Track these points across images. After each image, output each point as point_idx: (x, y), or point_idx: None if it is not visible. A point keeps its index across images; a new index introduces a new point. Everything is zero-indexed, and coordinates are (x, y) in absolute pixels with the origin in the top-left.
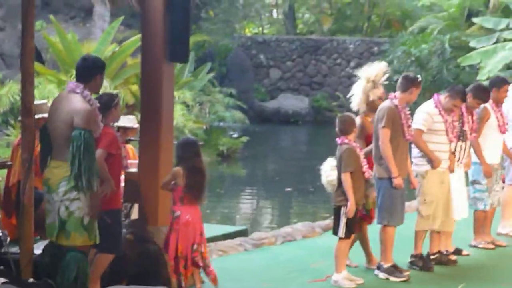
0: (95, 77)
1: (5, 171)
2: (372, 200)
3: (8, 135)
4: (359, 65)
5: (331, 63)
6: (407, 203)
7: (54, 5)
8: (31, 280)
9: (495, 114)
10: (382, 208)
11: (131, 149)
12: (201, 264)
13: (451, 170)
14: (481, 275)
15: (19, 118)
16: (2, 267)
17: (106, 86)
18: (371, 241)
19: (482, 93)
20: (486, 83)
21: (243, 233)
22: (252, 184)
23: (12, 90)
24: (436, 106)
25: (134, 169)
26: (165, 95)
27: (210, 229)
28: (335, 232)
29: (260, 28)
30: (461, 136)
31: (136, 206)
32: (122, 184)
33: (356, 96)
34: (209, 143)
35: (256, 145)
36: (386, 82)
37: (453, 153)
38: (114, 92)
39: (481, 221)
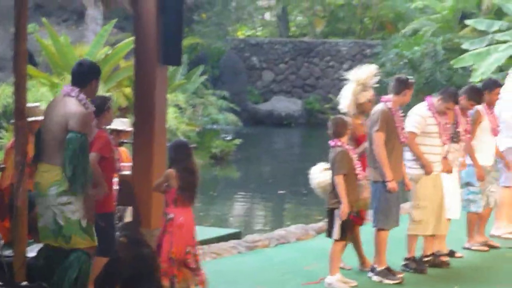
0: (90, 82)
1: None
2: (363, 201)
3: (0, 138)
4: (352, 68)
5: (324, 66)
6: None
7: (47, 8)
8: (24, 283)
9: (488, 117)
10: (378, 211)
11: (124, 152)
12: (193, 266)
13: (449, 171)
14: (475, 277)
15: (12, 120)
16: None
17: (99, 89)
18: (366, 243)
19: (476, 95)
20: (479, 85)
21: (236, 236)
22: (246, 186)
23: (5, 93)
24: (429, 109)
25: (127, 172)
26: (158, 97)
27: (204, 232)
28: (330, 235)
29: (253, 31)
30: (455, 137)
31: (129, 209)
32: (115, 187)
33: (346, 98)
34: (202, 145)
35: (249, 148)
36: (377, 85)
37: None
38: (107, 95)
39: (474, 223)
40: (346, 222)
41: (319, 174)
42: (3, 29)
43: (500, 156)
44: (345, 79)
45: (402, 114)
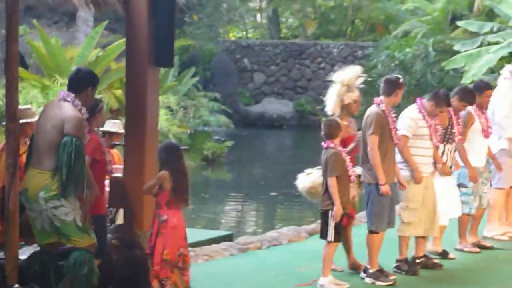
0: (86, 89)
1: None
2: (351, 200)
3: None
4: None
5: (315, 67)
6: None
7: (37, 10)
8: (16, 285)
9: (479, 119)
10: (371, 213)
11: (117, 154)
12: (180, 265)
13: (447, 174)
14: (468, 278)
15: (3, 123)
16: None
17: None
18: (359, 245)
19: (468, 96)
20: (471, 86)
21: (228, 238)
22: (237, 188)
23: None
24: (420, 111)
25: (119, 174)
26: (150, 99)
27: (195, 234)
28: (324, 236)
29: (244, 33)
30: (450, 138)
31: (121, 211)
32: (107, 189)
33: (331, 99)
34: (194, 147)
35: (241, 150)
36: (362, 86)
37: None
38: (98, 97)
39: (466, 224)
40: (340, 224)
41: (303, 180)
42: None
43: (492, 157)
44: (331, 81)
45: (394, 115)
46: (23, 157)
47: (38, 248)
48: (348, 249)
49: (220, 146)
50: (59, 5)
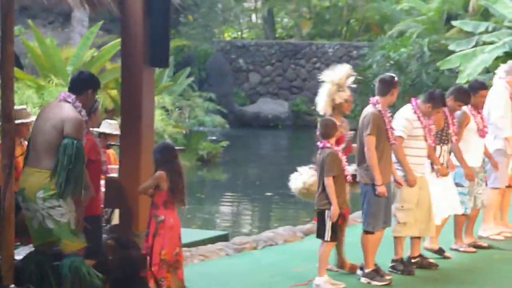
0: (87, 92)
1: None
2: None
3: None
4: None
5: (310, 67)
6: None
7: (32, 10)
8: (12, 286)
9: (475, 119)
10: (367, 214)
11: (113, 154)
12: (174, 264)
13: (444, 175)
14: (463, 278)
15: None
16: None
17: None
18: (354, 245)
19: (463, 96)
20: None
21: (224, 238)
22: (233, 188)
23: None
24: (415, 112)
25: (115, 174)
26: (145, 99)
27: (191, 234)
28: (321, 236)
29: (239, 33)
30: (446, 139)
31: (116, 211)
32: (103, 189)
33: (321, 99)
34: (189, 147)
35: (236, 150)
36: (354, 85)
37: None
38: None
39: (461, 224)
40: (335, 223)
41: (295, 180)
42: None
43: (488, 156)
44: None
45: (390, 114)
46: (19, 158)
47: (33, 249)
48: (339, 248)
49: (215, 146)
50: (54, 5)
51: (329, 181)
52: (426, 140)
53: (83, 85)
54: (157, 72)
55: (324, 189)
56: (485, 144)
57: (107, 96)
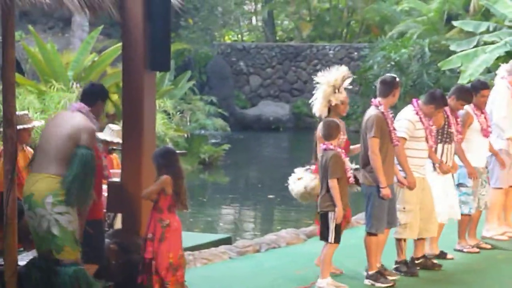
0: (97, 103)
1: None
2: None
3: None
4: None
5: (311, 70)
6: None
7: (33, 15)
8: None
9: (478, 118)
10: (371, 216)
11: (116, 159)
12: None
13: (446, 171)
14: (467, 279)
15: (0, 129)
16: None
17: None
18: (358, 247)
19: (465, 95)
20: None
21: (227, 241)
22: (235, 191)
23: None
24: (417, 113)
25: (117, 179)
26: (147, 103)
27: (194, 238)
28: (325, 238)
29: (240, 36)
30: (447, 138)
31: (119, 216)
32: (104, 194)
33: (317, 101)
34: (191, 151)
35: (238, 153)
36: (351, 87)
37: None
38: None
39: (466, 224)
40: (339, 225)
41: (295, 184)
42: None
43: (494, 153)
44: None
45: (392, 115)
46: (21, 163)
47: (36, 254)
48: None
49: (217, 150)
50: (54, 10)
51: (333, 183)
52: (427, 141)
53: (95, 96)
54: (158, 76)
55: (327, 191)
56: (490, 141)
57: (109, 100)
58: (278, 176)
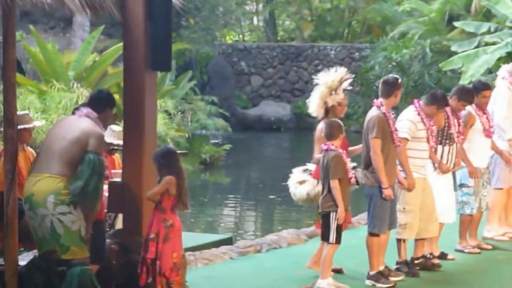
0: (105, 110)
1: None
2: None
3: None
4: None
5: (312, 70)
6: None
7: (34, 15)
8: None
9: (480, 119)
10: (373, 216)
11: (117, 159)
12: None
13: (445, 171)
14: (468, 279)
15: (1, 129)
16: None
17: (87, 96)
18: (360, 247)
19: (467, 95)
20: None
21: (228, 242)
22: (236, 192)
23: None
24: (418, 114)
25: (118, 179)
26: (148, 103)
27: (195, 238)
28: (326, 238)
29: (241, 36)
30: (447, 140)
31: (120, 216)
32: (106, 194)
33: (313, 101)
34: (192, 151)
35: (239, 153)
36: (350, 88)
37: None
38: None
39: (467, 225)
40: (340, 226)
41: (297, 189)
42: None
43: (499, 152)
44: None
45: (394, 115)
46: (21, 163)
47: (37, 254)
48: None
49: (218, 150)
50: (55, 10)
51: (335, 184)
52: (428, 142)
53: (103, 103)
54: (159, 76)
55: (329, 191)
56: (493, 140)
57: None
58: (279, 176)
